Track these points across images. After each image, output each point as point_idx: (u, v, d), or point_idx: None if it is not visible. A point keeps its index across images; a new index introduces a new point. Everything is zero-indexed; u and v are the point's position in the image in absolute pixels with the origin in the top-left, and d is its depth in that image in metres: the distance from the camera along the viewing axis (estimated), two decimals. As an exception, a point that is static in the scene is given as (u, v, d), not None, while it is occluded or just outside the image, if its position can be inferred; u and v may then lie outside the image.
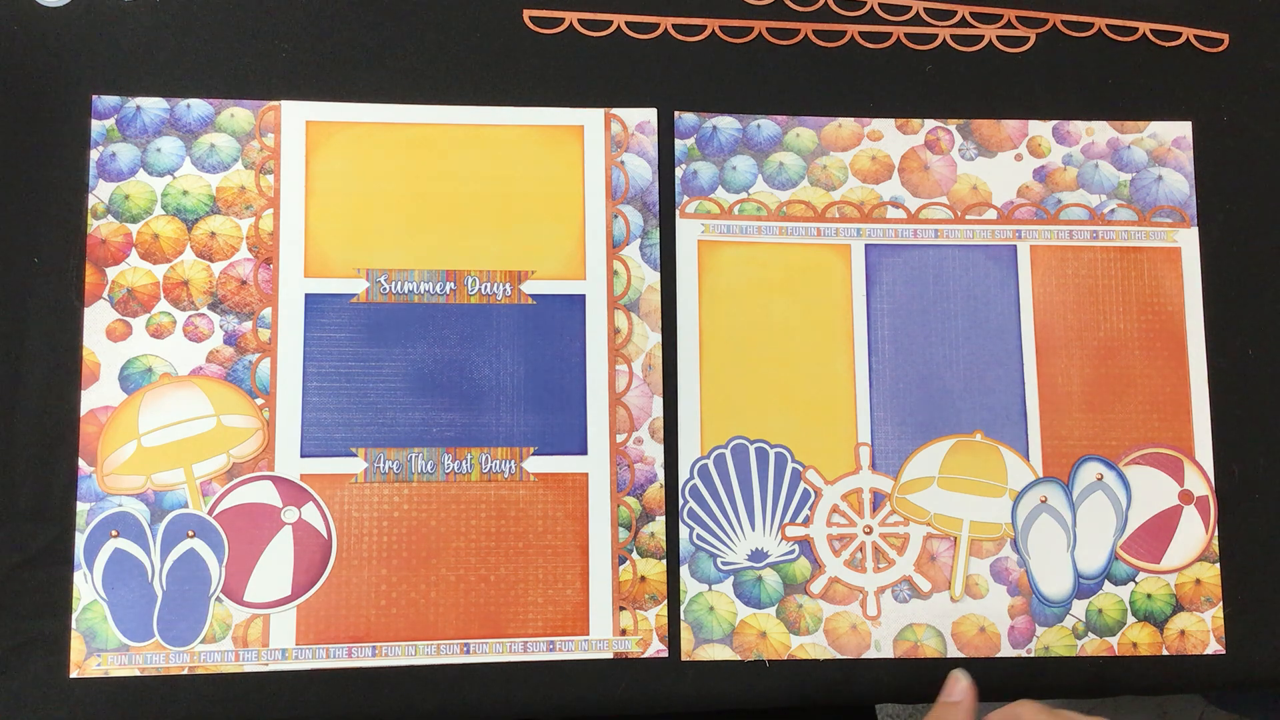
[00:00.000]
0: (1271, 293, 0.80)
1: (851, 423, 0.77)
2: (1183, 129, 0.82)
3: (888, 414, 0.77)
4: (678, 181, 0.79)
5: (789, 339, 0.78)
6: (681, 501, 0.76)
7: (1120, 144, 0.81)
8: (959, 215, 0.79)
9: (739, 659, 0.74)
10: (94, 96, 0.76)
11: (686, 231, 0.79)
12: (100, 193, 0.76)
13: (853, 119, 0.80)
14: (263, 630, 0.73)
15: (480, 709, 0.73)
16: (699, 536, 0.76)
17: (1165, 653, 0.76)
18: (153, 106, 0.77)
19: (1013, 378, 0.78)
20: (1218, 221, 0.81)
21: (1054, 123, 0.81)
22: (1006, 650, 0.75)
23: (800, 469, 0.77)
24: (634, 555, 0.75)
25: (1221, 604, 0.77)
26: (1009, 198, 0.80)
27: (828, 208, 0.79)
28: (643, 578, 0.75)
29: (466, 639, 0.74)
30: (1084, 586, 0.76)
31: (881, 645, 0.75)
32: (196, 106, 0.77)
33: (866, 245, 0.79)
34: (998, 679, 0.75)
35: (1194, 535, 0.77)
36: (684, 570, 0.75)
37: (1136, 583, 0.76)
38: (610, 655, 0.74)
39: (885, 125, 0.80)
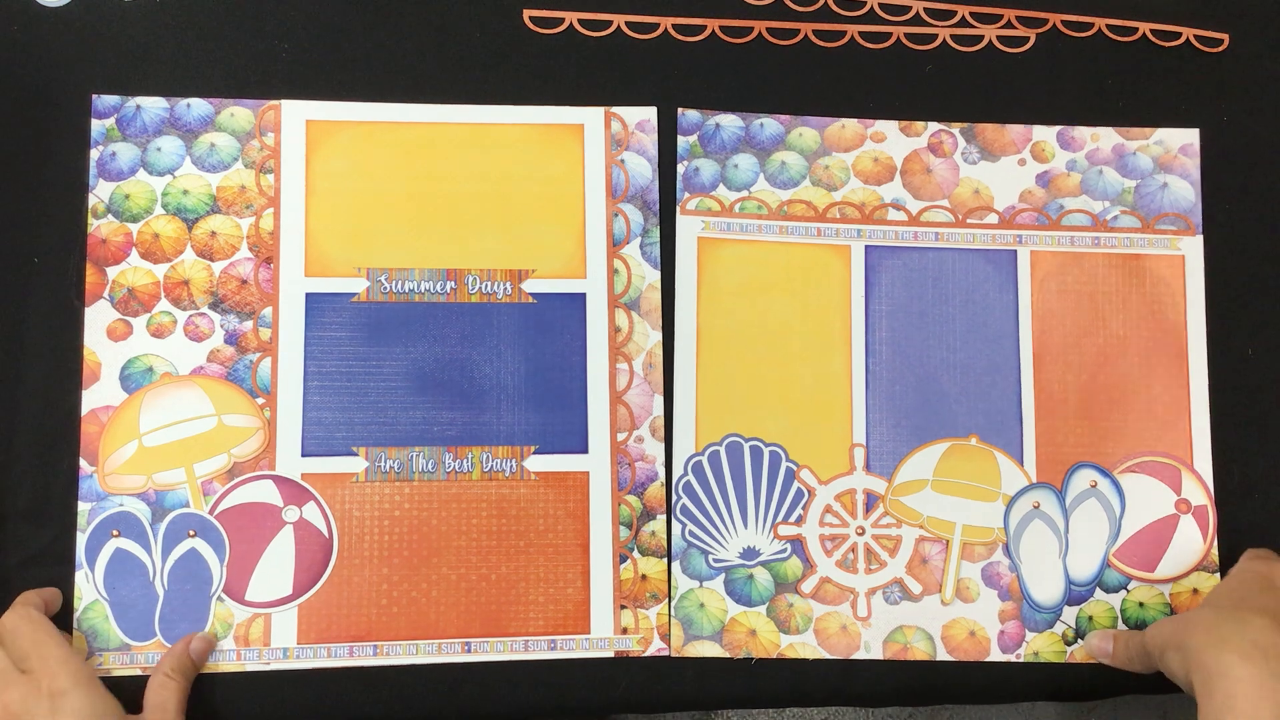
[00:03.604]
0: (1276, 302, 0.77)
1: (847, 423, 0.74)
2: (1190, 136, 0.78)
3: (883, 416, 0.74)
4: (679, 178, 0.76)
5: (787, 338, 0.75)
6: (675, 498, 0.73)
7: (1126, 150, 0.77)
8: (960, 219, 0.76)
9: (728, 656, 0.72)
10: (94, 96, 0.73)
11: (687, 228, 0.75)
12: (100, 192, 0.72)
13: (856, 120, 0.77)
14: (264, 629, 0.70)
15: (482, 708, 0.71)
16: (691, 533, 0.73)
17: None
18: (153, 106, 0.73)
19: (1009, 382, 0.75)
20: (1224, 230, 0.77)
21: (1059, 128, 0.77)
22: (996, 655, 0.72)
23: (794, 468, 0.74)
24: (635, 554, 0.73)
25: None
26: (1011, 202, 0.76)
27: (829, 208, 0.76)
28: (644, 576, 0.73)
29: (468, 638, 0.71)
30: (1075, 593, 0.73)
31: (871, 646, 0.72)
32: (196, 106, 0.73)
33: (866, 246, 0.75)
34: (987, 683, 0.73)
35: (1191, 545, 0.74)
36: (675, 566, 0.73)
37: (1129, 591, 0.73)
38: (611, 654, 0.72)
39: (888, 127, 0.76)
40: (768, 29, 0.77)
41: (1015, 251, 0.76)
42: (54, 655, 0.64)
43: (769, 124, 0.77)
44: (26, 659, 0.64)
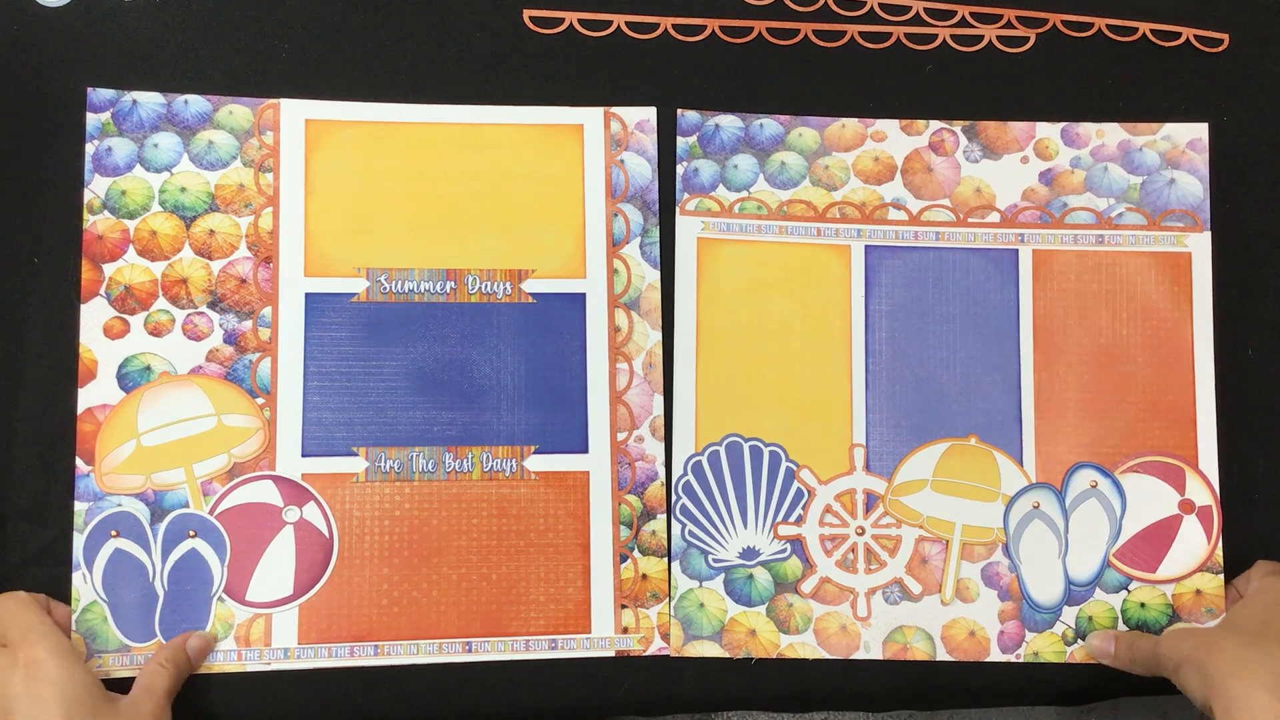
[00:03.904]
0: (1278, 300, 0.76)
1: (847, 423, 0.74)
2: (1199, 130, 0.77)
3: (883, 416, 0.74)
4: (679, 179, 0.75)
5: (787, 338, 0.74)
6: (674, 498, 0.73)
7: (1132, 146, 0.76)
8: (961, 218, 0.75)
9: (728, 656, 0.71)
10: (89, 90, 0.72)
11: (686, 228, 0.75)
12: (96, 187, 0.71)
13: (856, 119, 0.76)
14: (265, 630, 0.69)
15: (482, 707, 0.71)
16: (691, 533, 0.72)
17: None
18: (149, 101, 0.72)
19: (1009, 382, 0.74)
20: (1226, 228, 0.76)
21: (1063, 125, 0.77)
22: (995, 655, 0.72)
23: (794, 468, 0.73)
24: (635, 553, 0.72)
25: (1225, 615, 0.72)
26: (1013, 200, 0.75)
27: (829, 208, 0.75)
28: (644, 576, 0.72)
29: (468, 637, 0.71)
30: (1075, 593, 0.72)
31: (871, 646, 0.72)
32: (194, 102, 0.73)
33: (866, 246, 0.75)
34: (986, 683, 0.72)
35: (1194, 545, 0.73)
36: (675, 566, 0.72)
37: (1130, 591, 0.73)
38: (612, 653, 0.71)
39: (889, 126, 0.76)
40: (768, 29, 0.77)
41: (1017, 251, 0.75)
42: (35, 629, 0.63)
43: (769, 124, 0.76)
44: (8, 636, 0.63)
